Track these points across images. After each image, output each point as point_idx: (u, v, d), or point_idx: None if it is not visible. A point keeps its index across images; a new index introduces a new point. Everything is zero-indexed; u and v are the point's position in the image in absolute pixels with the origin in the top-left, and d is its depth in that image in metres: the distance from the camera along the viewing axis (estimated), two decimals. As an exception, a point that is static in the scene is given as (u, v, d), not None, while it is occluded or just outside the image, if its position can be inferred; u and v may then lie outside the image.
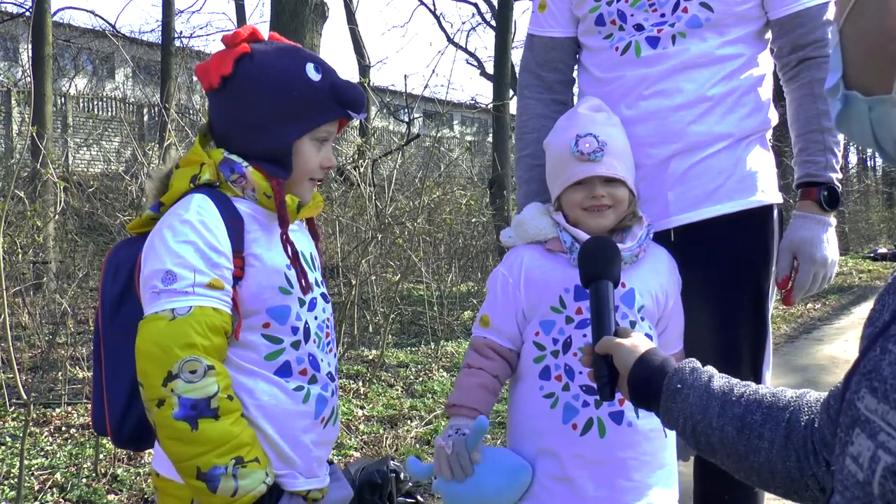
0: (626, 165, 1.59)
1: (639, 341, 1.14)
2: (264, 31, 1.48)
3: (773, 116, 1.82)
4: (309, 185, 1.44)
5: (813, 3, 1.70)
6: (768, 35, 1.81)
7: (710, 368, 1.08)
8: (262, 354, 1.35)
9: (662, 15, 1.72)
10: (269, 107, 1.35)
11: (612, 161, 1.55)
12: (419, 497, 3.08)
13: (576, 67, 1.95)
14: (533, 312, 1.60)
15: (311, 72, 1.37)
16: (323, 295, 1.47)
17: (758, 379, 1.78)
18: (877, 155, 0.80)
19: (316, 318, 1.43)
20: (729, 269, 1.74)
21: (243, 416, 1.30)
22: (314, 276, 1.45)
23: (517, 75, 2.02)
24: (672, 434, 1.56)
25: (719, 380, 1.05)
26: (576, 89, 1.97)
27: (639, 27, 1.74)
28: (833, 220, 1.76)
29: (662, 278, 1.63)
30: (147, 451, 3.42)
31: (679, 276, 1.67)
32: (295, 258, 1.37)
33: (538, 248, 1.63)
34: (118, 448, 3.27)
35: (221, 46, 1.39)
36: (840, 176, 1.76)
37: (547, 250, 1.61)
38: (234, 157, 1.37)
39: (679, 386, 1.04)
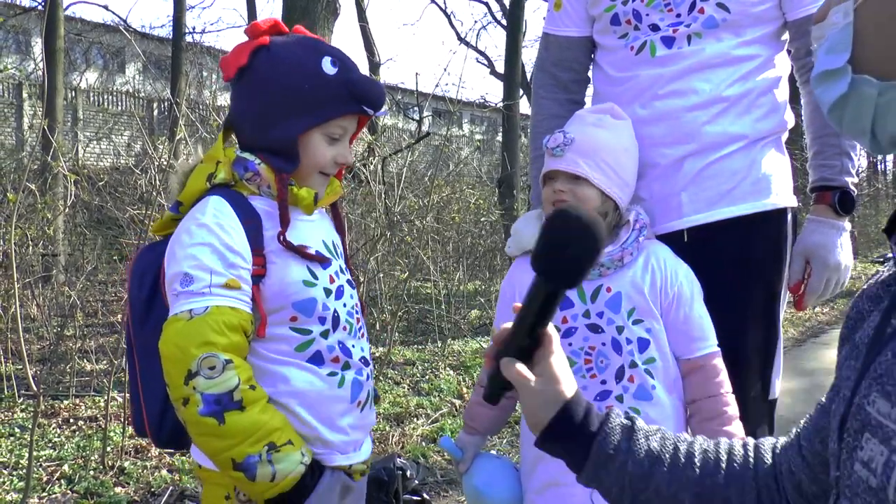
0: (601, 168, 1.54)
1: (558, 370, 0.91)
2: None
3: (790, 119, 1.80)
4: (320, 178, 1.43)
5: None
6: (785, 36, 1.79)
7: (641, 424, 0.93)
8: (292, 346, 1.36)
9: (678, 15, 1.70)
10: (280, 99, 1.35)
11: (575, 158, 1.53)
12: (425, 495, 3.08)
13: (591, 67, 1.94)
14: None
15: (327, 66, 1.36)
16: (349, 282, 1.48)
17: (766, 385, 1.76)
18: (861, 146, 0.77)
19: (345, 305, 1.43)
20: (741, 271, 1.72)
21: (280, 405, 1.32)
22: (338, 263, 1.45)
23: (532, 75, 2.01)
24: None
25: (657, 438, 0.92)
26: (590, 89, 1.97)
27: (654, 27, 1.73)
28: (847, 225, 1.73)
29: (659, 274, 1.56)
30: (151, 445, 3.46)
31: (687, 267, 1.61)
32: (298, 250, 1.36)
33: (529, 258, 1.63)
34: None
35: (233, 42, 1.40)
36: (856, 180, 1.74)
37: None
38: (246, 156, 1.37)
39: (612, 452, 0.90)
